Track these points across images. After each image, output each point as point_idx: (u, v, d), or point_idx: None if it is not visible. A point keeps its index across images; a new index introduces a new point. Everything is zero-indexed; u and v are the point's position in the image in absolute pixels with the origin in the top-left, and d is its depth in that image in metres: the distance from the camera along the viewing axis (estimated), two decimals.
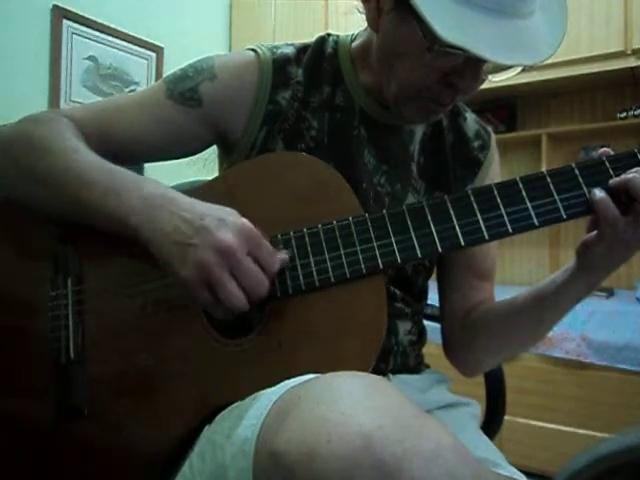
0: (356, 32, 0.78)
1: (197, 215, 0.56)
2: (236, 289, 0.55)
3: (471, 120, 0.82)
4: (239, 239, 0.55)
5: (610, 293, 2.03)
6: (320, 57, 0.76)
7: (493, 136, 0.84)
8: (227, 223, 0.56)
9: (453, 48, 0.57)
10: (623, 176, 0.57)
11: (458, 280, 0.82)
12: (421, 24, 0.58)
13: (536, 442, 1.83)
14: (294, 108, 0.73)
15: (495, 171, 0.83)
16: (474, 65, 0.61)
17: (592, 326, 1.80)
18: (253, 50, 0.75)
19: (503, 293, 0.79)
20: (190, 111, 0.71)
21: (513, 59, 0.59)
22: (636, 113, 2.23)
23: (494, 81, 0.65)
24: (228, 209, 0.58)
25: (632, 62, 2.08)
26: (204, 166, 1.37)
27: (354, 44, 0.76)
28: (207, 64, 0.73)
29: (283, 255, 0.60)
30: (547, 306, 0.68)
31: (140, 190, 0.59)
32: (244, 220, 0.57)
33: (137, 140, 0.71)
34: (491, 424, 0.89)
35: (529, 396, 1.84)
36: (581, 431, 1.77)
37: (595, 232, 0.59)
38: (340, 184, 0.64)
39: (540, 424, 1.84)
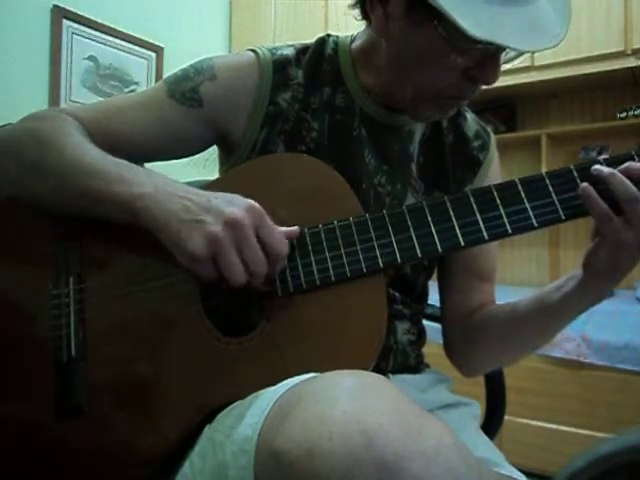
0: (355, 33, 0.78)
1: (205, 197, 0.58)
2: (240, 264, 0.56)
3: (471, 120, 0.82)
4: (247, 214, 0.56)
5: (610, 293, 2.02)
6: (320, 58, 0.76)
7: (493, 136, 0.84)
8: (235, 201, 0.57)
9: (482, 44, 0.57)
10: (603, 173, 0.57)
11: (458, 281, 0.82)
12: (442, 26, 0.58)
13: (536, 442, 1.83)
14: (294, 109, 0.73)
15: (495, 171, 0.83)
16: (493, 55, 0.62)
17: (592, 326, 1.80)
18: (253, 51, 0.75)
19: (503, 293, 0.79)
20: (191, 111, 0.71)
21: (536, 45, 0.59)
22: (636, 113, 2.23)
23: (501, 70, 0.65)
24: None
25: (632, 62, 2.08)
26: (204, 166, 1.37)
27: (354, 45, 0.76)
28: (207, 65, 0.73)
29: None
30: (552, 314, 0.67)
31: (150, 180, 0.60)
32: (251, 200, 0.58)
33: (138, 140, 0.71)
34: (491, 424, 0.89)
35: (529, 396, 1.84)
36: (581, 431, 1.77)
37: (598, 238, 0.59)
38: (341, 185, 0.64)
39: (540, 424, 1.84)
